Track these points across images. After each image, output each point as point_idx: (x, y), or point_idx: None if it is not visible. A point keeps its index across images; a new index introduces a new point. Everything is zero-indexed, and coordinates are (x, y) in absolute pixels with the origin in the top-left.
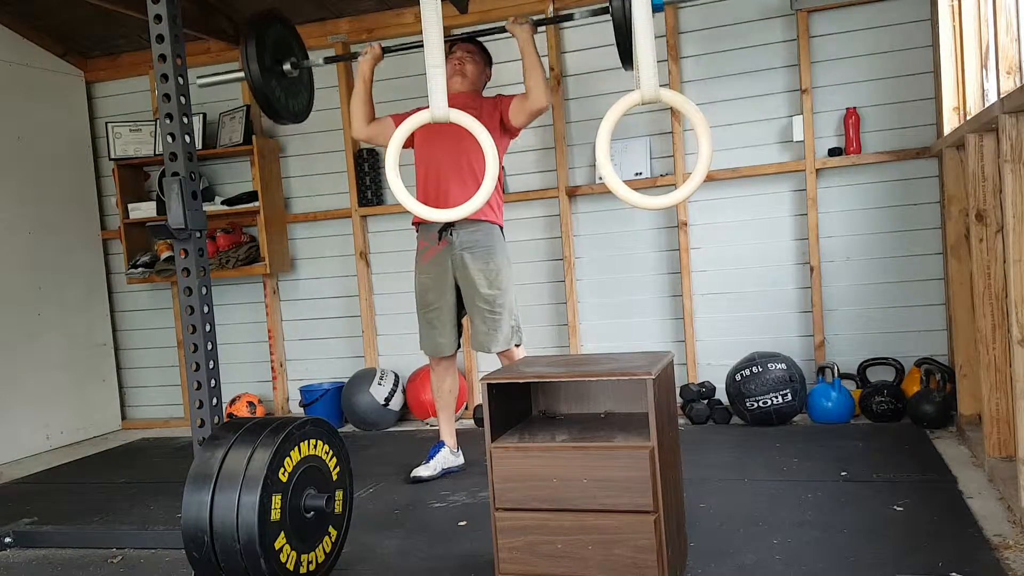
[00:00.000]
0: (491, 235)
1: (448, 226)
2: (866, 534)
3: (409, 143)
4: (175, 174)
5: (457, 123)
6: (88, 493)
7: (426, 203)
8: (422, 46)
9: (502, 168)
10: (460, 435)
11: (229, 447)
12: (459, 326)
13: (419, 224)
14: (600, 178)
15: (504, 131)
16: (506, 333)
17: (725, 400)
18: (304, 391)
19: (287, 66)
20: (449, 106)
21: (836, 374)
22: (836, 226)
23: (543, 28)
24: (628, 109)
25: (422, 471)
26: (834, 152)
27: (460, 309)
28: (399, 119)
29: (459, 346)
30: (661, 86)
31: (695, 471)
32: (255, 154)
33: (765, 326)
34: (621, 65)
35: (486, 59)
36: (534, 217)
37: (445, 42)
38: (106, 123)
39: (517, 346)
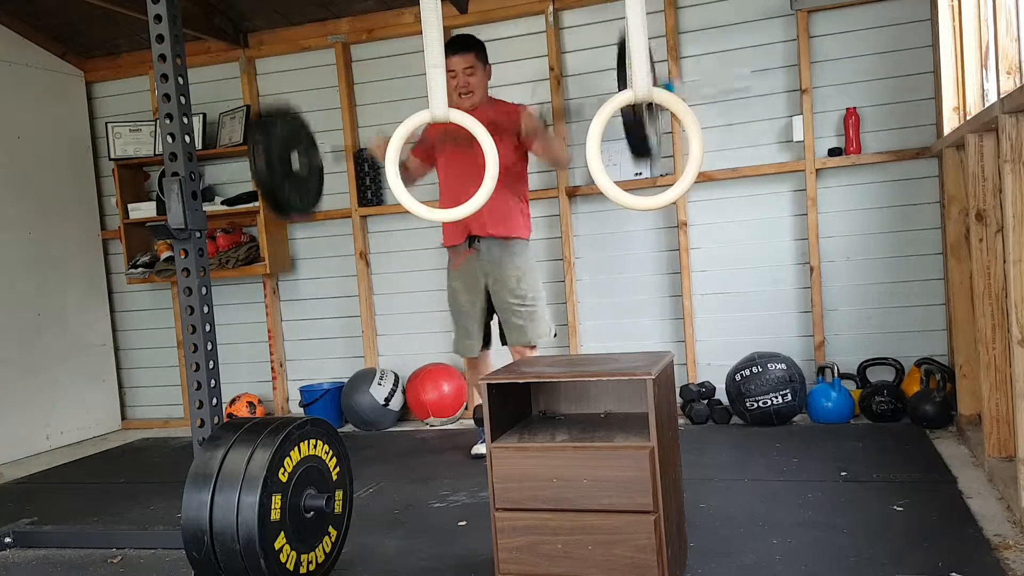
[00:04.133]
0: (516, 248)
1: (475, 238)
2: (866, 534)
3: (430, 159)
4: (175, 174)
5: (458, 123)
6: (88, 493)
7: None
8: None
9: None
10: (460, 435)
11: (229, 447)
12: (488, 328)
13: (449, 246)
14: None
15: (521, 142)
16: (546, 322)
17: (725, 400)
18: (304, 391)
19: (296, 166)
20: (474, 123)
21: (836, 374)
22: (836, 226)
23: (543, 28)
24: (619, 108)
25: (483, 448)
26: (834, 152)
27: (490, 312)
28: (418, 150)
29: (488, 345)
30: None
31: (695, 471)
32: None
33: (765, 326)
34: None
35: (482, 58)
36: (534, 217)
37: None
38: (106, 123)
39: (534, 347)
